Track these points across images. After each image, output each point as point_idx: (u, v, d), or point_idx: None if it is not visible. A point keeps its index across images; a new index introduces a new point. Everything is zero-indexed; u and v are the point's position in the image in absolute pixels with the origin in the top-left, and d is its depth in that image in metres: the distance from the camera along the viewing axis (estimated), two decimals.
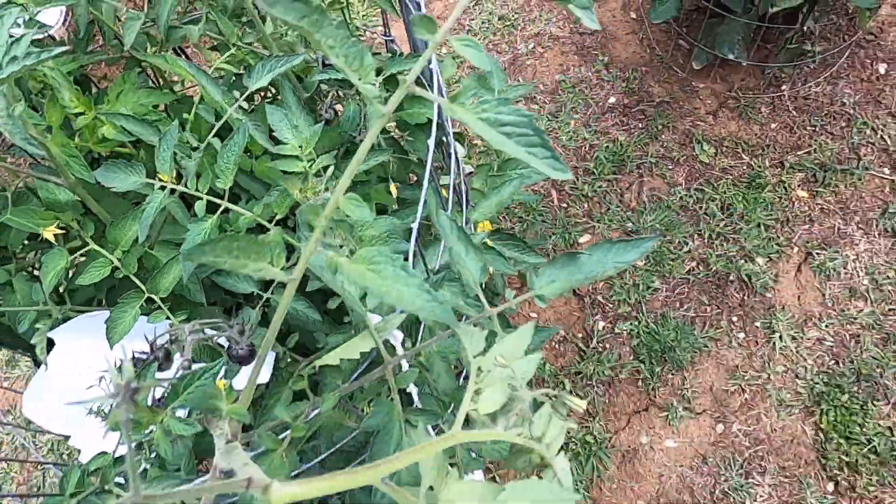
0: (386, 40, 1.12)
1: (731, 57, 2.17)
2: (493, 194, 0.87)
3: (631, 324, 2.08)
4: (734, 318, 2.05)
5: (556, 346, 2.12)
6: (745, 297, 2.07)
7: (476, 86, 0.96)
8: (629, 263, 0.54)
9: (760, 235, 2.13)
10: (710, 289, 2.09)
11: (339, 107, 1.14)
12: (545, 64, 2.49)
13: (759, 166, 2.23)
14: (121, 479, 0.68)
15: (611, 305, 2.12)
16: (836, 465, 1.83)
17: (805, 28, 2.20)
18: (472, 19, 2.61)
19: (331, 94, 1.02)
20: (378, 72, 1.05)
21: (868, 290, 2.03)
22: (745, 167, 2.24)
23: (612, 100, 2.40)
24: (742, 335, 2.02)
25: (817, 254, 2.09)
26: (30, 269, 0.97)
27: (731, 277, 2.10)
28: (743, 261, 2.10)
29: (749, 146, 2.26)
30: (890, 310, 2.01)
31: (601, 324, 2.10)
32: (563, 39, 2.52)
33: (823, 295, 2.04)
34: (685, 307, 2.08)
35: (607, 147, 2.32)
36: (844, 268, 2.07)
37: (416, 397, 0.68)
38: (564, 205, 2.27)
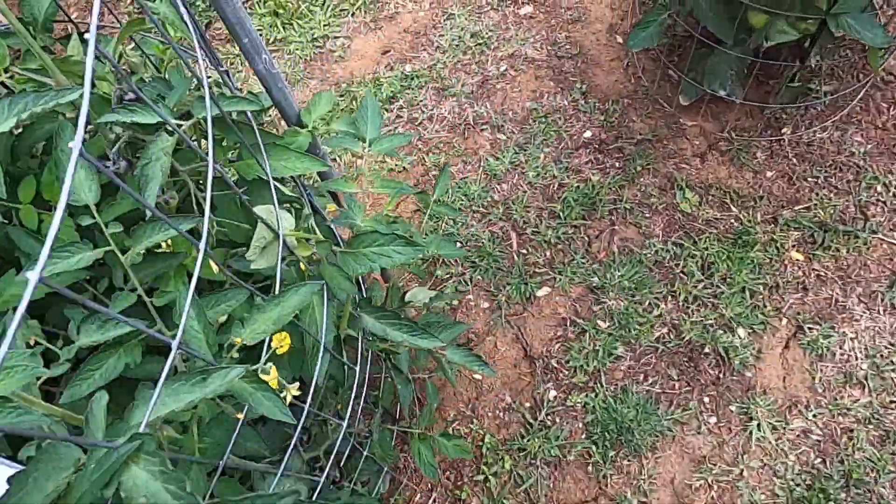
0: (220, 72, 0.87)
1: (721, 94, 1.88)
2: (272, 304, 0.61)
3: (587, 396, 1.80)
4: (706, 399, 1.76)
5: (500, 414, 1.84)
6: (721, 375, 1.78)
7: None
8: None
9: (744, 302, 1.83)
10: (680, 361, 1.81)
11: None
12: (517, 89, 2.23)
13: (749, 221, 1.93)
14: None
15: (566, 372, 1.84)
16: None
17: (814, 64, 1.91)
18: (442, 36, 2.36)
19: (120, 141, 0.77)
20: (187, 115, 0.80)
21: (867, 376, 1.73)
22: (732, 221, 1.94)
23: (587, 134, 2.13)
24: (713, 420, 1.73)
25: (809, 329, 1.79)
26: None
27: (705, 350, 1.81)
28: (721, 331, 1.81)
29: (739, 196, 1.97)
30: (892, 402, 1.70)
31: (553, 393, 1.83)
32: (540, 62, 2.25)
33: (813, 378, 1.74)
34: (650, 381, 1.79)
35: (578, 187, 2.04)
36: (840, 347, 1.77)
37: None
38: (524, 251, 2.00)
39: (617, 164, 2.07)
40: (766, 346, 1.79)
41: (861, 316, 1.80)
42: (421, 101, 2.26)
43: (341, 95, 2.31)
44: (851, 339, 1.78)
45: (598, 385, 1.80)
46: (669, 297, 1.88)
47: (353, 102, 2.28)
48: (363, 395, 1.22)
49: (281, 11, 2.44)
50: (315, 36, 2.41)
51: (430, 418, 1.58)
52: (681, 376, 1.79)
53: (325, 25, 2.43)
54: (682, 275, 1.89)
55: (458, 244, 2.03)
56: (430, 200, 1.55)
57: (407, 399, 1.28)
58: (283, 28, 2.43)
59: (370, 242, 0.84)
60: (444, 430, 1.84)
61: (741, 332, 1.81)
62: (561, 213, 2.02)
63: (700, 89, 1.93)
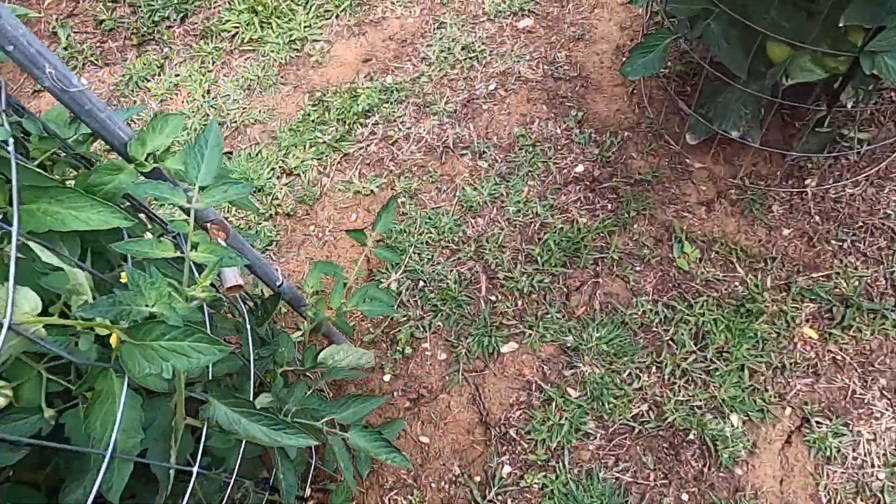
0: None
1: (734, 135, 1.60)
2: None
3: (545, 477, 1.53)
4: (684, 496, 1.48)
5: (446, 486, 1.59)
6: (706, 469, 1.50)
7: None
8: None
9: (741, 384, 1.55)
10: (658, 447, 1.53)
11: None
12: (506, 111, 1.98)
13: (757, 286, 1.64)
14: None
15: (524, 445, 1.58)
16: None
17: (849, 108, 1.62)
18: (430, 46, 2.12)
19: None
20: None
21: (884, 488, 1.43)
22: (736, 284, 1.66)
23: (579, 168, 1.86)
24: None
25: (818, 423, 1.50)
26: None
27: (690, 436, 1.53)
28: (711, 415, 1.53)
29: (747, 256, 1.68)
30: None
31: (507, 468, 1.57)
32: (533, 83, 2.00)
33: (817, 485, 1.45)
34: (621, 467, 1.52)
35: (562, 229, 1.78)
36: (854, 450, 1.47)
37: None
38: (493, 297, 1.75)
39: (609, 206, 1.80)
40: (764, 440, 1.50)
41: (882, 413, 1.50)
42: (399, 117, 2.02)
43: (314, 105, 2.09)
44: (868, 440, 1.48)
45: (560, 465, 1.54)
46: (654, 369, 1.60)
47: (326, 114, 2.06)
48: (230, 486, 0.99)
49: (260, 9, 2.23)
50: (293, 38, 2.20)
51: (346, 496, 1.34)
52: (657, 465, 1.52)
53: (305, 27, 2.22)
54: (670, 343, 1.62)
55: (421, 283, 1.79)
56: (365, 240, 1.32)
57: (292, 490, 1.04)
58: (261, 27, 2.23)
59: (159, 334, 0.61)
60: (378, 498, 1.60)
61: (734, 419, 1.53)
62: (539, 258, 1.76)
63: (710, 128, 1.65)
